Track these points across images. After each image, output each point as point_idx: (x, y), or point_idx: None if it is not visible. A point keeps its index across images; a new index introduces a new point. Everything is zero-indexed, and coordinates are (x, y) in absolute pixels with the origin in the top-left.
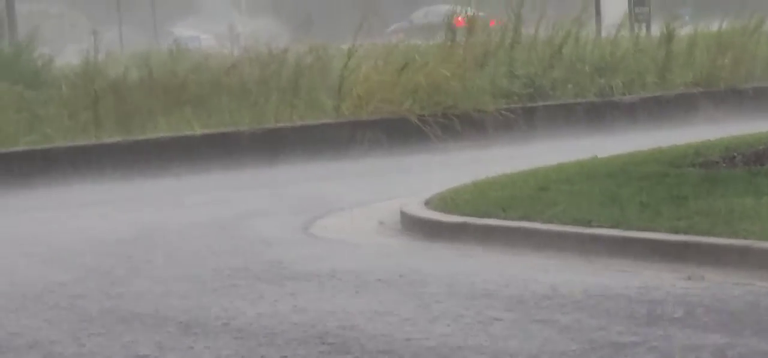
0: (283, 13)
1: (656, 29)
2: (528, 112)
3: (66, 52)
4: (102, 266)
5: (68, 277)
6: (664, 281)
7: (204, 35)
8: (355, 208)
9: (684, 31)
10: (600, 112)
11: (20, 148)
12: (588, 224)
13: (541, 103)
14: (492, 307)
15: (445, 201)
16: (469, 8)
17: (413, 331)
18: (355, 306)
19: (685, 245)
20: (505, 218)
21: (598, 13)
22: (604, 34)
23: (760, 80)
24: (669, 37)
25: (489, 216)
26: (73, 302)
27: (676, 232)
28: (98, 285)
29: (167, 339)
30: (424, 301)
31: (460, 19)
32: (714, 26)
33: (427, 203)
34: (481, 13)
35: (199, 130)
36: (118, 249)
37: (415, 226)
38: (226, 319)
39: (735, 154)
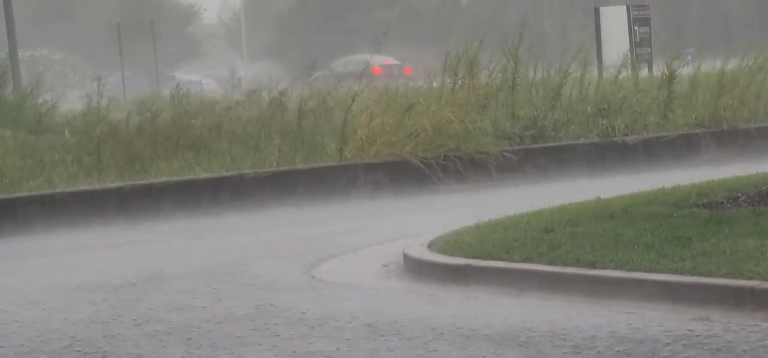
0: (285, 57)
1: (658, 69)
2: (530, 153)
3: (68, 98)
4: (100, 313)
5: (67, 323)
6: (669, 322)
7: (206, 80)
8: (359, 250)
9: (686, 71)
10: (602, 153)
11: (24, 193)
12: (592, 265)
13: (543, 145)
14: (496, 350)
15: (448, 243)
16: (387, 57)
17: None
18: (358, 351)
19: (690, 286)
20: (508, 260)
21: (599, 54)
22: (605, 75)
23: (763, 120)
24: (671, 77)
25: (492, 258)
26: (70, 350)
27: (681, 273)
28: (94, 333)
29: None
30: (427, 345)
31: (377, 68)
32: (717, 66)
33: (430, 245)
34: (397, 61)
35: (201, 174)
36: (118, 295)
37: (418, 268)
38: None
39: (739, 194)
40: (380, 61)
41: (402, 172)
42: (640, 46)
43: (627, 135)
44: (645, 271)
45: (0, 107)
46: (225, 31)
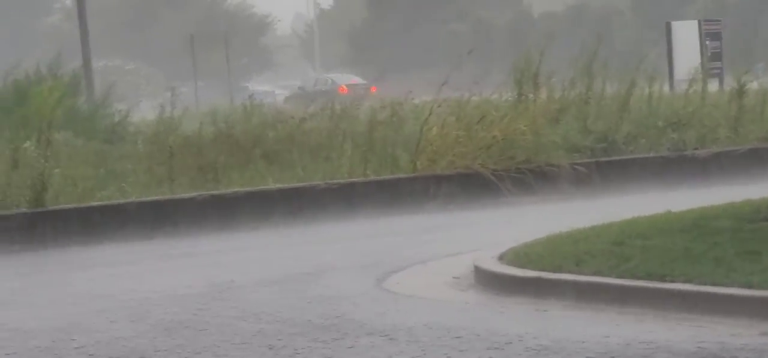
0: (357, 68)
1: (728, 84)
2: (601, 166)
3: (141, 108)
4: (170, 322)
5: (135, 333)
6: (738, 336)
7: (279, 90)
8: (429, 262)
9: (756, 85)
10: (673, 167)
11: (97, 203)
12: (662, 278)
13: (614, 158)
14: None
15: (518, 256)
16: (352, 75)
17: None
18: None
19: (760, 301)
20: (578, 273)
21: (670, 68)
22: (676, 89)
23: None
24: (741, 91)
25: (563, 271)
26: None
27: (750, 287)
28: (166, 343)
29: None
30: (493, 356)
31: (343, 86)
32: None
33: (501, 258)
34: (363, 81)
35: (273, 185)
36: (188, 305)
37: (488, 280)
38: None
39: None
40: (347, 80)
41: (473, 184)
42: (711, 60)
43: (697, 149)
44: (715, 285)
45: (73, 117)
46: (298, 43)
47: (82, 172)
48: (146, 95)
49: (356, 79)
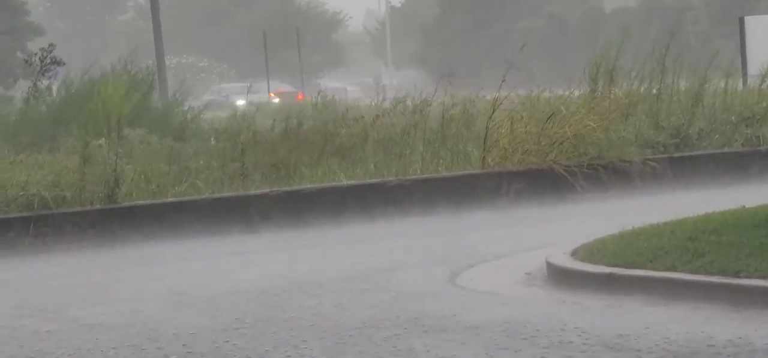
0: (429, 64)
1: None
2: (674, 162)
3: (213, 105)
4: (246, 318)
5: (213, 328)
6: None
7: (350, 87)
8: (501, 258)
9: None
10: (746, 162)
11: (170, 199)
12: (736, 274)
13: (687, 154)
14: None
15: (591, 251)
16: (285, 84)
17: None
18: None
19: None
20: (652, 269)
21: (743, 63)
22: (749, 84)
23: None
24: None
25: (636, 266)
26: (209, 353)
27: None
28: (241, 338)
29: None
30: (573, 354)
31: (300, 94)
32: None
33: (574, 254)
34: (291, 89)
35: (345, 181)
36: (262, 300)
37: (561, 276)
38: None
39: None
40: (276, 87)
41: (544, 180)
42: None
43: None
44: None
45: (147, 114)
46: (370, 40)
47: (155, 169)
48: (219, 92)
49: (284, 88)
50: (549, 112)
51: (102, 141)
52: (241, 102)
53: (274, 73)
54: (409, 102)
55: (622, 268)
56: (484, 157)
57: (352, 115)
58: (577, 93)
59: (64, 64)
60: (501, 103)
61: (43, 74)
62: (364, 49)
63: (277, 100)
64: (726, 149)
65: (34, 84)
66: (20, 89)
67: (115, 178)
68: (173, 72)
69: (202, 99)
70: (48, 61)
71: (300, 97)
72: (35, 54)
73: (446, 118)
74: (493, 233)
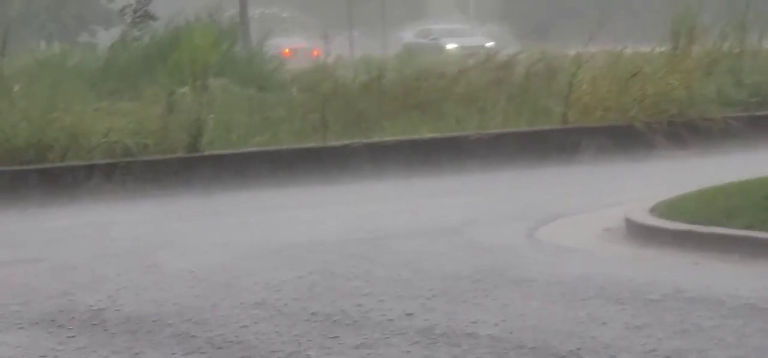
0: (511, 18)
1: None
2: (755, 120)
3: (297, 55)
4: (325, 270)
5: (292, 278)
6: None
7: (433, 41)
8: (580, 214)
9: None
10: None
11: (251, 148)
12: None
13: None
14: (718, 316)
15: (670, 208)
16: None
17: (637, 339)
18: (578, 313)
19: None
20: (730, 227)
21: None
22: None
23: None
24: None
25: (714, 224)
26: (294, 303)
27: None
28: (320, 289)
29: (379, 344)
30: (650, 309)
31: (285, 50)
32: None
33: (652, 210)
34: (305, 44)
35: (425, 134)
36: (342, 251)
37: (639, 233)
38: (446, 326)
39: None
40: (290, 43)
41: (625, 136)
42: None
43: None
44: None
45: (230, 64)
46: None
47: (237, 119)
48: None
49: (300, 43)
50: (631, 70)
51: (186, 90)
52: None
53: (356, 25)
54: (491, 56)
55: (701, 225)
56: (565, 113)
57: (434, 69)
58: (658, 50)
59: (156, 18)
60: (586, 62)
61: (134, 26)
62: (447, 4)
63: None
64: None
65: (123, 35)
66: (104, 38)
67: (198, 127)
68: (257, 23)
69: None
70: (140, 13)
71: (315, 53)
72: (129, 5)
73: (529, 73)
74: (572, 189)
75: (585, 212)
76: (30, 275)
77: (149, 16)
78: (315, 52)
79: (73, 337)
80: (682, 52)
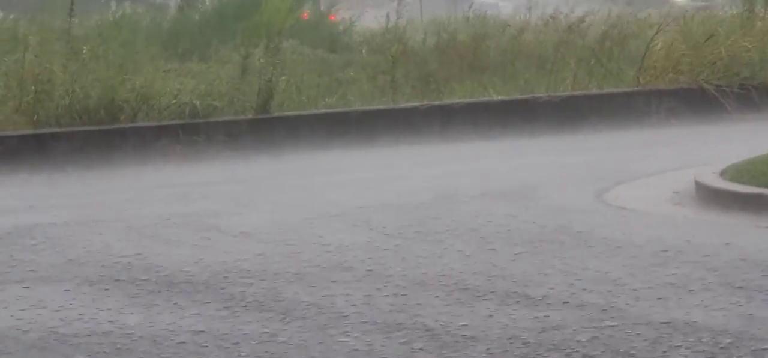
0: None
1: None
2: None
3: (365, 18)
4: (393, 229)
5: (359, 239)
6: None
7: (502, 2)
8: (650, 177)
9: None
10: None
11: (321, 110)
12: None
13: None
14: None
15: (740, 172)
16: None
17: (711, 304)
18: (648, 274)
19: None
20: None
21: None
22: None
23: None
24: None
25: None
26: (362, 264)
27: None
28: (388, 248)
29: (453, 305)
30: (719, 273)
31: (305, 13)
32: None
33: (723, 174)
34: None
35: (494, 96)
36: (412, 214)
37: (709, 196)
38: (518, 286)
39: None
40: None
41: (696, 100)
42: None
43: None
44: None
45: (299, 26)
46: None
47: (307, 80)
48: (371, 5)
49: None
50: (704, 33)
51: (258, 51)
52: None
53: None
54: (561, 18)
55: None
56: (638, 76)
57: (505, 31)
58: (731, 13)
59: None
60: (665, 25)
61: None
62: None
63: None
64: None
65: None
66: None
67: (270, 88)
68: None
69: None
70: None
71: (305, 16)
72: None
73: (600, 35)
74: (642, 151)
75: (655, 175)
76: (100, 235)
77: None
78: (304, 15)
79: (137, 296)
80: (756, 15)
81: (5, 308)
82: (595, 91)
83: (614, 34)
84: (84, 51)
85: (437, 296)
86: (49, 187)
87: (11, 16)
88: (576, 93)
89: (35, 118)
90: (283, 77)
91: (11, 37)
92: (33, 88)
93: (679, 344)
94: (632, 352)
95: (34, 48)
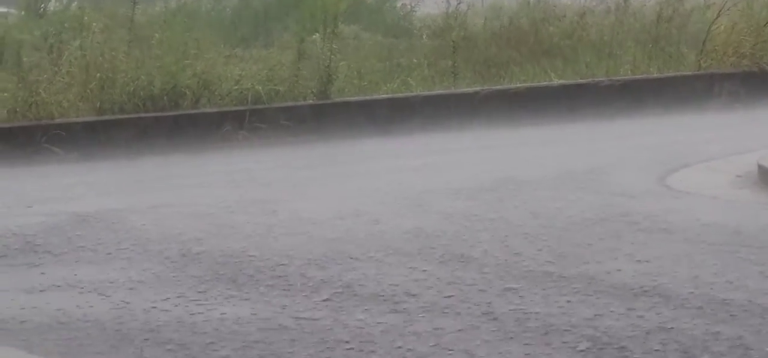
0: None
1: None
2: None
3: (427, 2)
4: (454, 214)
5: (421, 223)
6: None
7: None
8: (712, 161)
9: None
10: None
11: (382, 95)
12: None
13: None
14: None
15: None
16: None
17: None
18: (711, 259)
19: None
20: None
21: None
22: None
23: None
24: None
25: None
26: (425, 250)
27: None
28: (449, 232)
29: (526, 291)
30: None
31: None
32: None
33: None
34: None
35: (555, 81)
36: (470, 199)
37: None
38: (577, 271)
39: None
40: None
41: (758, 83)
42: None
43: None
44: None
45: (360, 11)
46: None
47: (368, 66)
48: None
49: None
50: (767, 15)
51: (316, 36)
52: None
53: None
54: (621, 1)
55: None
56: (699, 59)
57: (564, 15)
58: None
59: None
60: (726, 9)
61: None
62: None
63: None
64: None
65: None
66: None
67: (328, 74)
68: None
69: None
70: None
71: None
72: None
73: (660, 17)
74: (703, 135)
75: (717, 159)
76: (166, 220)
77: None
78: None
79: (207, 282)
80: None
81: (78, 294)
82: (655, 74)
83: (671, 15)
84: (149, 38)
85: (500, 279)
86: (115, 173)
87: (75, 3)
88: (637, 77)
89: (98, 106)
90: (343, 62)
91: (77, 24)
92: (97, 75)
93: None
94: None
95: (98, 35)
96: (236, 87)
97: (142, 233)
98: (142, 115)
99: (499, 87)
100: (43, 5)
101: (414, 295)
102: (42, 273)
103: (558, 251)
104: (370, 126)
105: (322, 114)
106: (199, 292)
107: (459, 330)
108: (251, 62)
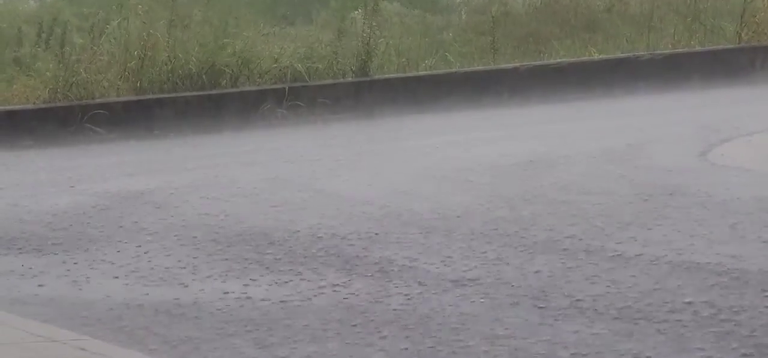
0: None
1: None
2: None
3: None
4: (495, 191)
5: (462, 200)
6: None
7: None
8: (754, 135)
9: None
10: None
11: (421, 72)
12: None
13: None
14: None
15: None
16: None
17: None
18: (755, 232)
19: None
20: None
21: None
22: None
23: None
24: None
25: None
26: (465, 227)
27: None
28: (490, 208)
29: (573, 267)
30: None
31: None
32: None
33: None
34: None
35: (595, 56)
36: (513, 175)
37: None
38: (620, 248)
39: None
40: None
41: None
42: None
43: None
44: None
45: None
46: None
47: (406, 43)
48: None
49: None
50: None
51: (357, 13)
52: None
53: None
54: None
55: None
56: (739, 32)
57: None
58: None
59: None
60: None
61: None
62: None
63: None
64: None
65: None
66: None
67: (368, 51)
68: None
69: None
70: None
71: None
72: None
73: None
74: (746, 109)
75: (759, 133)
76: (207, 199)
77: None
78: None
79: (252, 261)
80: None
81: (118, 277)
82: (696, 48)
83: None
84: (190, 17)
85: (542, 257)
86: (155, 152)
87: None
88: (677, 51)
89: (138, 85)
90: (382, 39)
91: (118, 3)
92: (137, 53)
93: None
94: None
95: (139, 14)
96: (275, 65)
97: (186, 211)
98: (182, 94)
99: (539, 63)
100: None
101: (459, 272)
102: (88, 251)
103: (594, 226)
104: (410, 103)
105: (362, 91)
106: (251, 271)
107: (512, 305)
108: (290, 40)
